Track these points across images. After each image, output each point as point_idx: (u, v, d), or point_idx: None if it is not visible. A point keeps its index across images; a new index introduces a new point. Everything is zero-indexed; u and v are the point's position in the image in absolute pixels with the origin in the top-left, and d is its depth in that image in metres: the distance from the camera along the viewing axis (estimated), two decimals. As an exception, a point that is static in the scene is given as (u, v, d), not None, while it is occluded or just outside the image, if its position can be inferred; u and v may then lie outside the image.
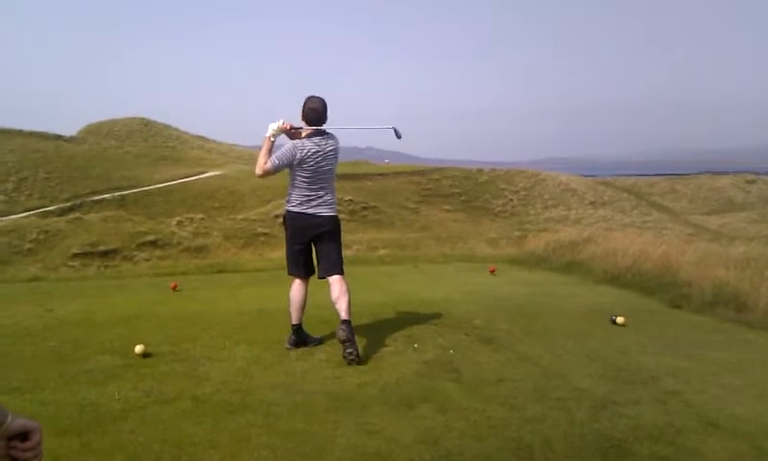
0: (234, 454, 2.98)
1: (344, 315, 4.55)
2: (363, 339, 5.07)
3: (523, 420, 3.46)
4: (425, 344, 4.95)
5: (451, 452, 3.04)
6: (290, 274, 4.87)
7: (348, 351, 4.39)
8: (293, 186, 4.70)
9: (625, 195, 49.52)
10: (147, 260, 19.40)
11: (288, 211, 4.76)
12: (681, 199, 59.86)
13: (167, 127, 64.64)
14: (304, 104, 4.68)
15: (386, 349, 4.81)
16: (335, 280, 4.68)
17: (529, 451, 3.07)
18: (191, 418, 3.41)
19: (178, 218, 27.79)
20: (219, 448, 3.04)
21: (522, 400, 3.76)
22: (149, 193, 34.73)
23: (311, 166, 4.58)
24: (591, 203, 45.30)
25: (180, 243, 24.07)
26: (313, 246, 4.80)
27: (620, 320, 5.78)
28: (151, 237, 23.49)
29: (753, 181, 69.93)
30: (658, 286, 7.57)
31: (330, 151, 4.66)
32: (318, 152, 4.59)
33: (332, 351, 4.66)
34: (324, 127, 4.69)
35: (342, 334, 4.43)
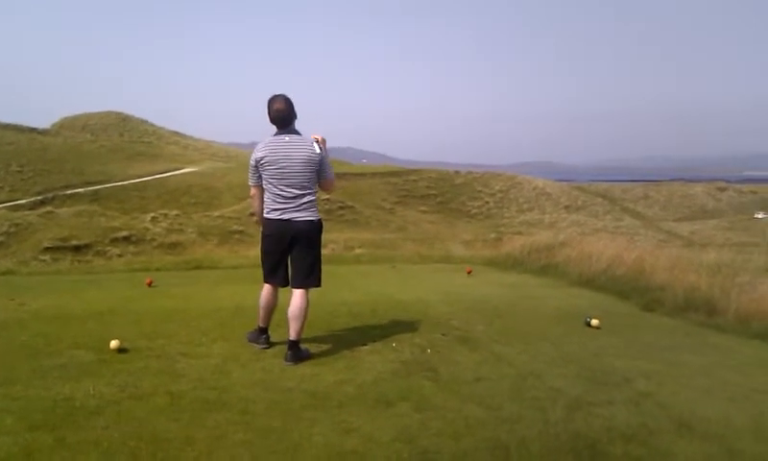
0: (210, 452, 2.96)
1: (292, 335, 4.41)
2: (340, 338, 5.08)
3: (499, 419, 3.49)
4: (403, 343, 4.97)
5: (428, 451, 3.05)
6: (264, 281, 4.68)
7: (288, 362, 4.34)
8: (265, 191, 4.50)
9: (599, 200, 50.20)
10: (120, 256, 19.18)
11: (264, 218, 4.55)
12: (653, 205, 60.79)
13: (144, 122, 64.01)
14: (269, 105, 4.43)
15: (363, 348, 4.81)
16: (296, 295, 4.49)
17: (505, 451, 3.10)
18: (167, 414, 3.38)
19: (152, 214, 27.53)
20: (195, 446, 3.01)
21: (499, 400, 3.79)
22: (123, 188, 34.35)
23: (277, 169, 4.36)
24: (566, 207, 45.86)
25: (153, 239, 23.85)
26: (289, 253, 4.56)
27: (595, 322, 5.85)
28: (124, 233, 23.24)
29: (724, 189, 71.33)
30: (631, 290, 7.69)
31: (299, 151, 4.39)
32: (282, 152, 4.36)
33: (310, 348, 4.63)
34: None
35: (288, 358, 4.35)
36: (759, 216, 58.23)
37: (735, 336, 5.82)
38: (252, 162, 4.45)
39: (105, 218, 24.94)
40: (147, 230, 24.55)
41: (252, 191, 4.59)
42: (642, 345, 5.37)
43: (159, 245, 23.26)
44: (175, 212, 29.23)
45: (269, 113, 4.44)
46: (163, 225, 25.99)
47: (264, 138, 4.50)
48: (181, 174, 39.88)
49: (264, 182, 4.48)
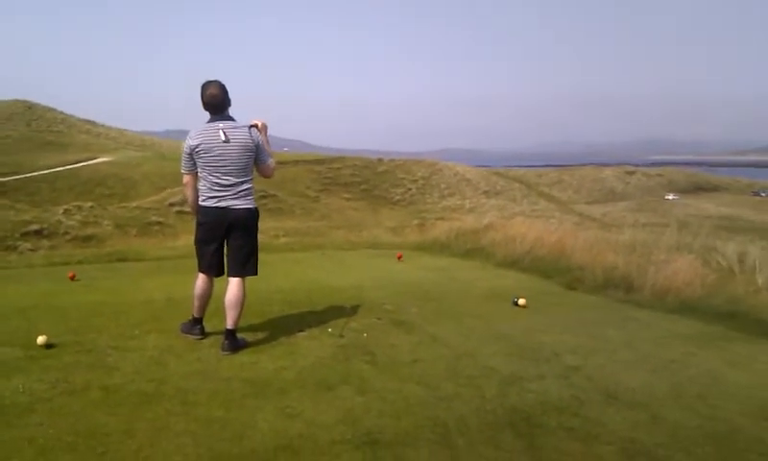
0: (153, 443, 2.92)
1: (229, 324, 4.37)
2: (276, 325, 5.07)
3: (438, 398, 3.60)
4: (339, 328, 5.00)
5: (371, 431, 3.12)
6: (199, 271, 4.58)
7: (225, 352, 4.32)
8: (200, 178, 4.40)
9: (516, 185, 51.62)
10: (32, 250, 18.28)
11: (200, 206, 4.43)
12: (567, 189, 63.11)
13: (52, 110, 60.87)
14: (202, 90, 4.33)
15: (301, 334, 4.82)
16: (233, 284, 4.44)
17: (445, 428, 3.20)
18: (103, 408, 3.30)
19: (65, 206, 26.33)
20: (136, 438, 2.97)
21: (436, 380, 3.90)
22: (33, 180, 32.66)
23: (213, 156, 4.27)
24: (485, 192, 46.92)
25: (67, 232, 22.85)
26: (225, 241, 4.49)
27: (522, 301, 6.07)
28: (35, 226, 22.14)
29: (632, 173, 74.84)
30: (554, 270, 8.00)
31: (236, 138, 4.30)
32: (217, 140, 4.27)
33: (247, 337, 4.61)
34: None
35: (225, 348, 4.33)
36: (670, 197, 61.51)
37: (653, 311, 6.17)
38: (187, 150, 4.35)
39: (14, 211, 23.67)
40: (60, 223, 23.45)
41: (186, 179, 4.48)
42: (567, 321, 5.62)
43: (74, 238, 22.29)
44: (89, 204, 28.04)
45: (202, 98, 4.34)
46: (77, 217, 24.89)
47: (197, 125, 4.39)
48: (95, 164, 38.26)
49: (199, 170, 4.38)
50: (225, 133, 4.29)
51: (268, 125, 4.59)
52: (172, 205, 29.52)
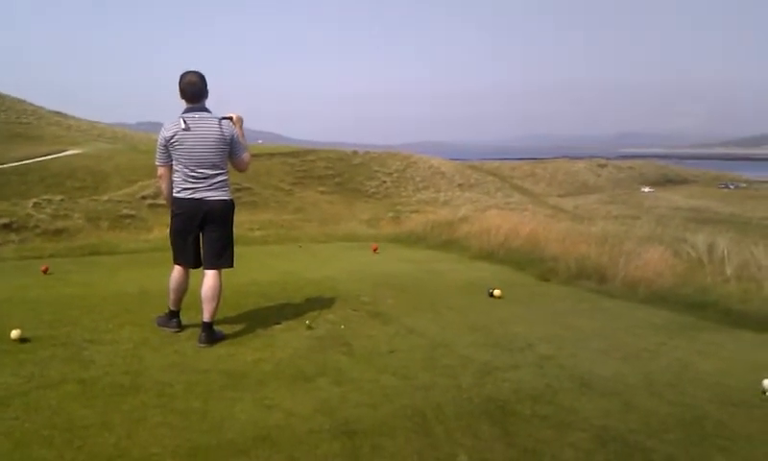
0: (131, 435, 2.91)
1: (205, 316, 4.36)
2: (253, 317, 5.07)
3: (415, 387, 3.64)
4: (316, 320, 5.02)
5: (349, 421, 3.14)
6: (175, 263, 4.56)
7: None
8: (174, 170, 4.38)
9: (490, 178, 51.89)
10: (1, 244, 17.93)
11: (174, 197, 4.42)
12: (540, 182, 63.57)
13: (21, 101, 59.54)
14: (180, 78, 4.33)
15: (277, 326, 4.83)
16: (209, 276, 4.43)
17: (422, 416, 3.24)
18: (80, 401, 3.28)
19: (34, 199, 25.77)
20: (114, 430, 2.95)
21: (413, 370, 3.94)
22: (2, 172, 31.94)
23: (186, 148, 4.26)
24: (459, 185, 47.06)
25: (37, 226, 22.42)
26: (201, 233, 4.47)
27: (497, 293, 6.15)
28: (4, 220, 21.68)
29: (604, 166, 75.70)
30: (528, 262, 8.10)
31: (209, 131, 4.28)
32: (192, 131, 4.25)
33: (224, 329, 4.60)
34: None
35: (202, 340, 4.32)
36: (645, 190, 62.39)
37: (625, 301, 6.30)
38: (162, 141, 4.33)
39: (-19, 204, 23.18)
40: (30, 216, 23.00)
41: (160, 171, 4.45)
42: (541, 312, 5.71)
43: (44, 231, 21.89)
44: (59, 197, 27.49)
45: (180, 85, 4.31)
46: (47, 211, 24.41)
47: (171, 118, 4.36)
48: (65, 156, 37.53)
49: (174, 162, 4.36)
50: (185, 121, 4.27)
51: (243, 118, 4.58)
52: (144, 198, 29.12)
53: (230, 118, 4.47)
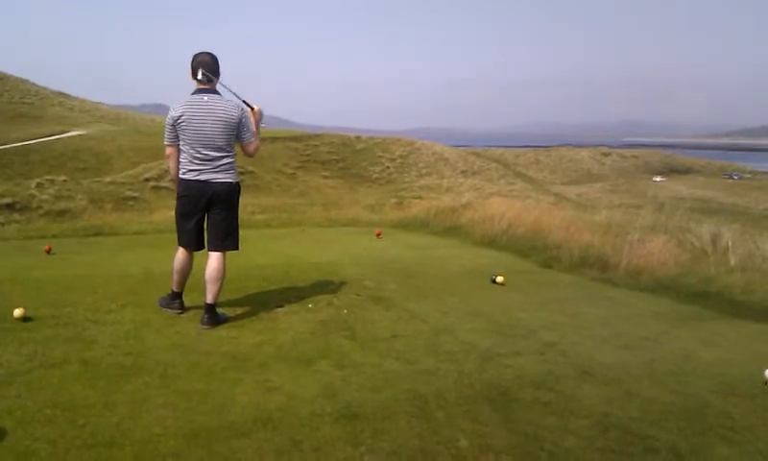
0: (133, 415, 2.92)
1: (209, 298, 4.37)
2: (256, 300, 5.07)
3: (417, 372, 3.65)
4: (319, 304, 5.03)
5: (351, 404, 3.15)
6: (179, 245, 4.56)
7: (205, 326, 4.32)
8: (181, 150, 4.38)
9: (493, 165, 51.72)
10: (3, 224, 17.96)
11: (180, 179, 4.42)
12: (543, 169, 63.47)
13: (24, 81, 59.44)
14: (193, 58, 4.33)
15: (280, 309, 4.83)
16: (213, 258, 4.44)
17: (423, 401, 3.24)
18: (82, 381, 3.29)
19: (37, 180, 25.80)
20: (116, 410, 2.96)
21: (415, 355, 3.94)
22: (5, 152, 31.95)
23: (193, 129, 4.26)
24: (462, 172, 46.94)
25: (40, 207, 22.46)
26: (206, 215, 4.47)
27: (500, 279, 6.14)
28: (7, 200, 21.73)
29: (608, 154, 75.49)
30: (531, 249, 8.10)
31: (217, 113, 4.28)
32: (199, 110, 4.27)
33: (226, 312, 4.60)
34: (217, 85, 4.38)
35: (204, 322, 4.33)
36: (657, 180, 62.26)
37: (627, 289, 6.29)
38: (169, 121, 4.33)
39: (-16, 184, 23.22)
40: (33, 196, 23.04)
41: (168, 151, 4.45)
42: (544, 299, 5.70)
43: (47, 212, 21.93)
44: (62, 178, 27.50)
45: (192, 64, 4.32)
46: (50, 191, 24.43)
47: (181, 98, 4.37)
48: (68, 137, 37.51)
49: (181, 143, 4.36)
50: (192, 102, 4.31)
51: (263, 113, 4.63)
52: (147, 180, 29.13)
53: (251, 107, 4.51)
